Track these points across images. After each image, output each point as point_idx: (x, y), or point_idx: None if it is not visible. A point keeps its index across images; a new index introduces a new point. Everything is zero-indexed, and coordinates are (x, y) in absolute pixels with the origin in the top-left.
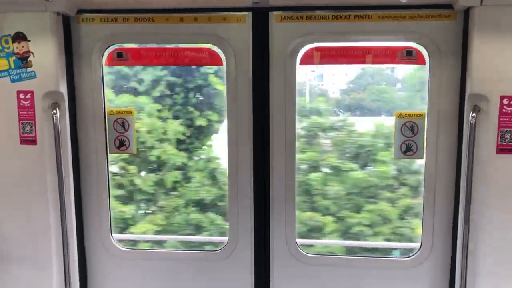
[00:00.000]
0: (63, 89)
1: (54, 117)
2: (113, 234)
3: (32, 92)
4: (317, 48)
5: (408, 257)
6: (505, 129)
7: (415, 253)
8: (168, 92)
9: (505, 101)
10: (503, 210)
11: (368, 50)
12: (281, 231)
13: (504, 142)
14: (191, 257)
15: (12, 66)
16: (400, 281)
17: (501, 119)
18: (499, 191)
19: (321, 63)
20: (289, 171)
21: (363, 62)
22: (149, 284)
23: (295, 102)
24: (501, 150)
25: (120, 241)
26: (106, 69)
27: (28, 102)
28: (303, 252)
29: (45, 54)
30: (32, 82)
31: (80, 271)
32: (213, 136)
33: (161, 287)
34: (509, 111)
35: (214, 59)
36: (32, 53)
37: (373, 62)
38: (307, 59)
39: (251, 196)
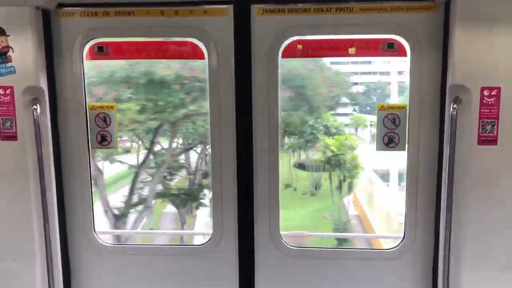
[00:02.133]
0: (44, 84)
1: (34, 112)
2: (95, 229)
3: (11, 88)
4: (299, 41)
5: (392, 248)
6: (486, 120)
7: (399, 244)
8: None
9: (486, 92)
10: (485, 200)
11: (350, 42)
12: (265, 224)
13: (485, 133)
14: (175, 251)
15: None
16: (384, 272)
17: (482, 110)
18: (481, 181)
19: (303, 56)
20: (272, 164)
21: (345, 55)
22: (133, 279)
23: (278, 95)
24: (482, 141)
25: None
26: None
27: (8, 97)
28: (287, 245)
29: (25, 49)
30: (12, 77)
31: (63, 266)
32: None
33: (146, 281)
34: (490, 102)
35: (196, 53)
36: (12, 48)
37: (355, 55)
38: (290, 52)
39: (234, 189)
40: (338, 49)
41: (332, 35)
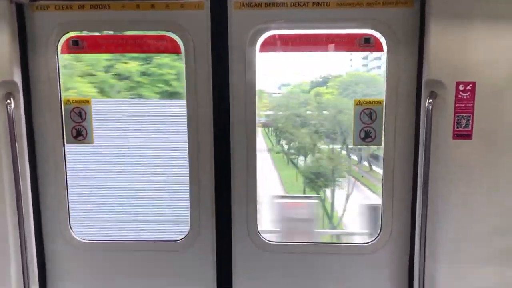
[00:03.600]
0: (18, 78)
1: (8, 107)
2: (71, 225)
3: None
4: (276, 36)
5: (368, 242)
6: (461, 114)
7: (375, 238)
8: None
9: (461, 87)
10: (460, 194)
11: (326, 37)
12: (242, 219)
13: (460, 127)
14: (152, 247)
15: None
16: (361, 266)
17: (457, 105)
18: (456, 175)
19: (280, 50)
20: (250, 158)
21: (322, 50)
22: (110, 274)
23: (255, 89)
24: (457, 135)
25: None
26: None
27: None
28: (265, 240)
29: None
30: None
31: (38, 262)
32: None
33: (123, 277)
34: (465, 97)
35: (173, 47)
36: None
37: (332, 50)
38: (267, 47)
39: (212, 184)
40: (315, 43)
41: (309, 30)
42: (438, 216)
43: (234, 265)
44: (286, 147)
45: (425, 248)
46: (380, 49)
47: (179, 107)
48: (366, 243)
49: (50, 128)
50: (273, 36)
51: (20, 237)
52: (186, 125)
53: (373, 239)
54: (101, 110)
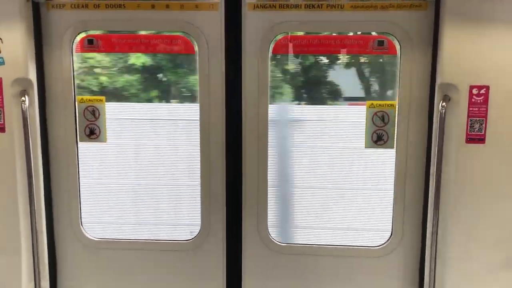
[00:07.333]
0: (32, 76)
1: (23, 104)
2: (83, 223)
3: (0, 79)
4: (289, 37)
5: (379, 245)
6: (475, 118)
7: (386, 241)
8: None
9: (475, 91)
10: (471, 198)
11: (340, 39)
12: (253, 220)
13: (473, 131)
14: (163, 246)
15: None
16: (371, 269)
17: (471, 109)
18: (468, 180)
19: (293, 52)
20: (262, 160)
21: (336, 52)
22: (120, 273)
23: (268, 91)
24: (470, 139)
25: None
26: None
27: None
28: (275, 241)
29: (14, 40)
30: (1, 68)
31: (49, 259)
32: None
33: (133, 276)
34: (479, 101)
35: (186, 47)
36: (1, 39)
37: (345, 52)
38: (280, 48)
39: (223, 185)
40: (328, 46)
41: (323, 32)
42: (450, 221)
43: (244, 266)
44: None
45: (436, 253)
46: (393, 52)
47: (191, 111)
48: (377, 246)
49: (64, 126)
50: (286, 38)
51: (32, 234)
52: (199, 127)
53: (384, 242)
54: (116, 112)
